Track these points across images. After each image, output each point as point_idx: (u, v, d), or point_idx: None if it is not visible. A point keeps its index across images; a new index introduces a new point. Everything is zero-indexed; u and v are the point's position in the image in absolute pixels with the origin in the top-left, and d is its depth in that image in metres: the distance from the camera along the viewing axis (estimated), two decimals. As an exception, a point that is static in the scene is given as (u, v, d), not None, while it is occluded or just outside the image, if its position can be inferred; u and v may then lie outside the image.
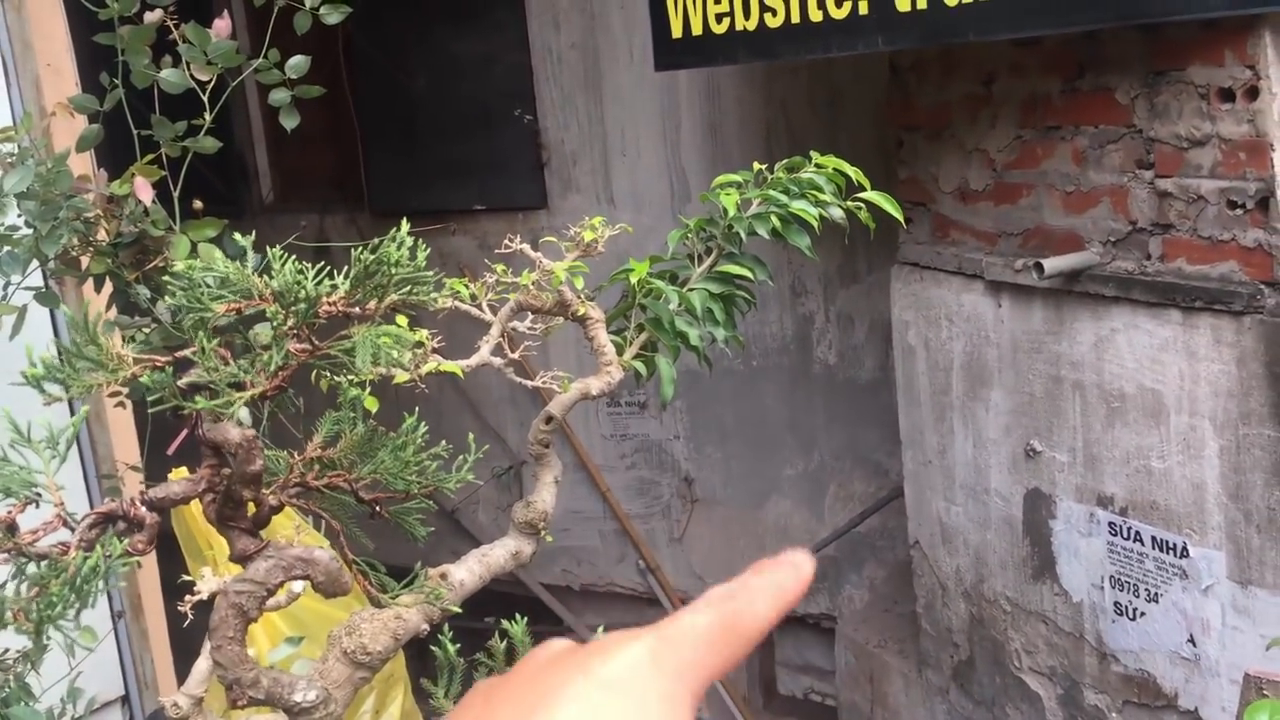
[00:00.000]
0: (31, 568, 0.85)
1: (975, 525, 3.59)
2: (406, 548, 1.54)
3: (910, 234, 3.65)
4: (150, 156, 2.25)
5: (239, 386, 0.86)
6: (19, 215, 2.16)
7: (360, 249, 0.88)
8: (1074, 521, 3.19)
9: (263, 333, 0.88)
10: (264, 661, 2.17)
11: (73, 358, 0.83)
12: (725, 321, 1.66)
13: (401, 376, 1.38)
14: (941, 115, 3.43)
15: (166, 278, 0.83)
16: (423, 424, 1.06)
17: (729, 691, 5.30)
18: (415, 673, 3.03)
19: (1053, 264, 2.90)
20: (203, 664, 1.44)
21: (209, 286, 0.84)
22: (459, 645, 1.43)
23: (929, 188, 3.54)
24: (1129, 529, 3.02)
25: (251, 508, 0.98)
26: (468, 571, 1.52)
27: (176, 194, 2.35)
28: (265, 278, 0.85)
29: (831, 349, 4.71)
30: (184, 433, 2.42)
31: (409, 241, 0.90)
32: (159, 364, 0.85)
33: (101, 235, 2.18)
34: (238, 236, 1.15)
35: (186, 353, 0.85)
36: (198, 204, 2.27)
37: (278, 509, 0.99)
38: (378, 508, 1.07)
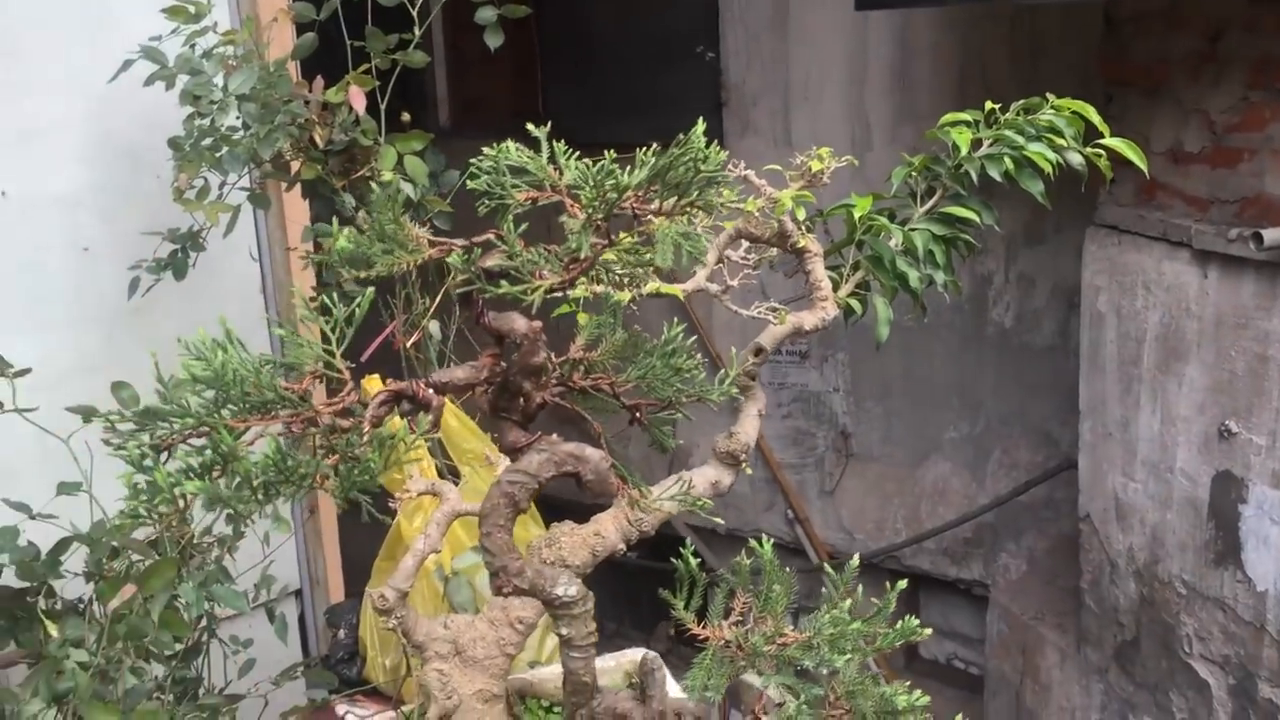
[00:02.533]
0: (330, 438, 0.87)
1: (1155, 504, 3.44)
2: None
3: (1111, 195, 3.48)
4: (364, 66, 2.28)
5: (533, 276, 0.85)
6: (237, 117, 2.22)
7: (650, 150, 0.86)
8: (1267, 508, 3.02)
9: (570, 223, 0.86)
10: (448, 569, 2.22)
11: (375, 238, 0.83)
12: (945, 265, 1.60)
13: (623, 295, 1.36)
14: (1159, 71, 3.25)
15: (472, 161, 0.82)
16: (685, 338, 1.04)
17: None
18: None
19: (1273, 235, 2.72)
20: (409, 561, 1.47)
21: (509, 174, 0.83)
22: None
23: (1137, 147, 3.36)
24: (1329, 521, 2.85)
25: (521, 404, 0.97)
26: (668, 495, 1.51)
27: (383, 106, 2.38)
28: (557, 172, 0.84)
29: (1009, 311, 4.56)
30: (377, 340, 2.47)
31: (702, 141, 0.88)
32: (457, 246, 0.85)
33: (314, 140, 2.22)
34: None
35: (487, 236, 0.85)
36: (406, 116, 2.30)
37: (542, 406, 0.98)
38: (637, 414, 1.06)
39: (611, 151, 1.10)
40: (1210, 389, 3.16)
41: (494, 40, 2.50)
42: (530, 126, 0.96)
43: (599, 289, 1.37)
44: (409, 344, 2.31)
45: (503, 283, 0.85)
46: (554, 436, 1.02)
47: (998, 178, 1.57)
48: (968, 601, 5.10)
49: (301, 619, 3.11)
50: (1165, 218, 3.25)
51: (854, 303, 1.56)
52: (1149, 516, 3.48)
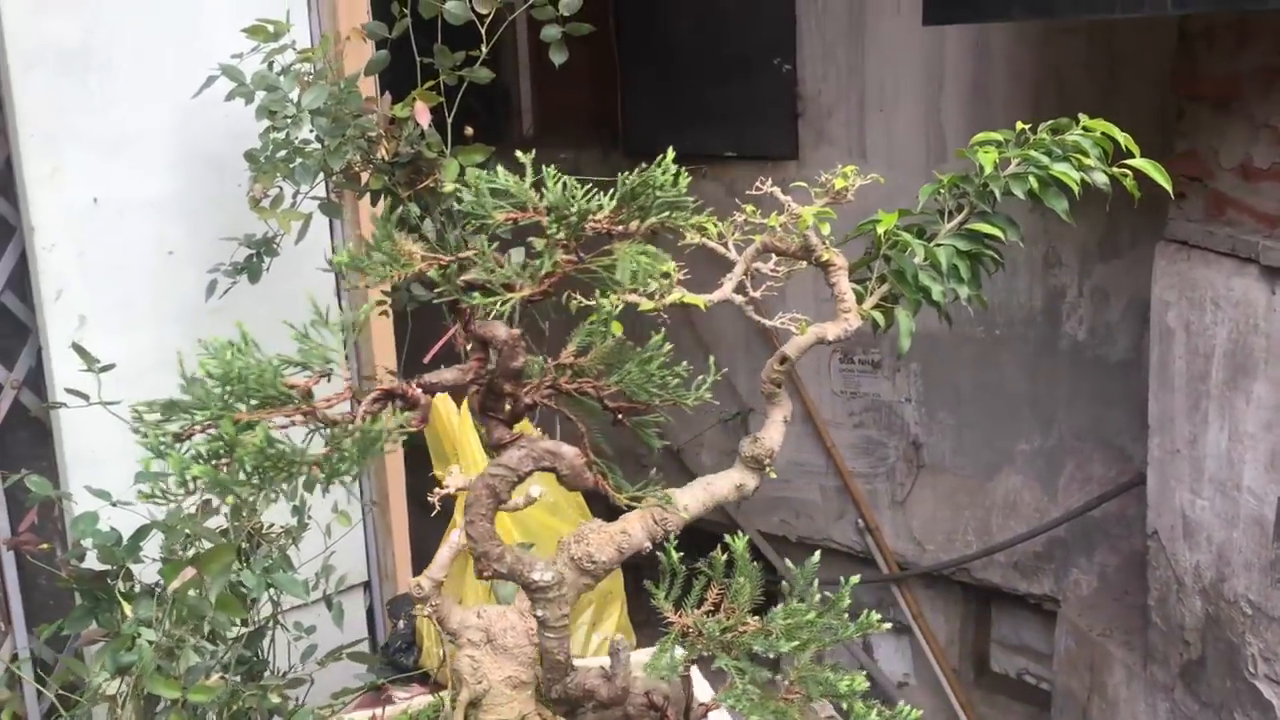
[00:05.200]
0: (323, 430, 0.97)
1: (1221, 522, 3.40)
2: (636, 480, 1.62)
3: (1181, 210, 3.46)
4: (430, 83, 2.39)
5: (509, 289, 0.93)
6: (310, 130, 2.34)
7: (626, 174, 0.94)
8: (1333, 529, 2.98)
9: (536, 242, 0.95)
10: (495, 564, 2.31)
11: (371, 251, 0.92)
12: (970, 280, 1.65)
13: (646, 305, 1.44)
14: (1231, 86, 3.22)
15: (454, 185, 0.90)
16: (666, 344, 1.12)
17: (940, 662, 5.23)
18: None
19: (1339, 252, 2.69)
20: (444, 552, 1.56)
21: (491, 196, 0.91)
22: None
23: (1208, 163, 3.34)
24: (1396, 544, 2.81)
25: (507, 405, 1.05)
26: (692, 497, 1.58)
27: (450, 120, 2.49)
28: (539, 193, 0.92)
29: (1082, 324, 4.52)
30: (440, 342, 2.58)
31: (673, 169, 0.95)
32: (443, 262, 0.93)
33: (381, 154, 2.34)
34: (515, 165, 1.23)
35: (468, 254, 0.93)
36: (469, 130, 2.40)
37: (531, 407, 1.07)
38: (620, 415, 1.13)
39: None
40: (1278, 407, 3.12)
41: (558, 57, 2.59)
42: (519, 153, 1.04)
43: (631, 299, 1.45)
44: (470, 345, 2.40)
45: (475, 294, 0.93)
46: (536, 433, 1.10)
47: (1021, 196, 1.61)
48: (1038, 616, 5.06)
49: (370, 611, 3.24)
50: (1234, 233, 3.22)
51: (877, 315, 1.62)
52: (1215, 534, 3.44)
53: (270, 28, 2.34)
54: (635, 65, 5.53)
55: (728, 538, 1.34)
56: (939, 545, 5.10)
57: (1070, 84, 4.32)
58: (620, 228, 0.98)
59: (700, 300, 1.48)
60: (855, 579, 1.28)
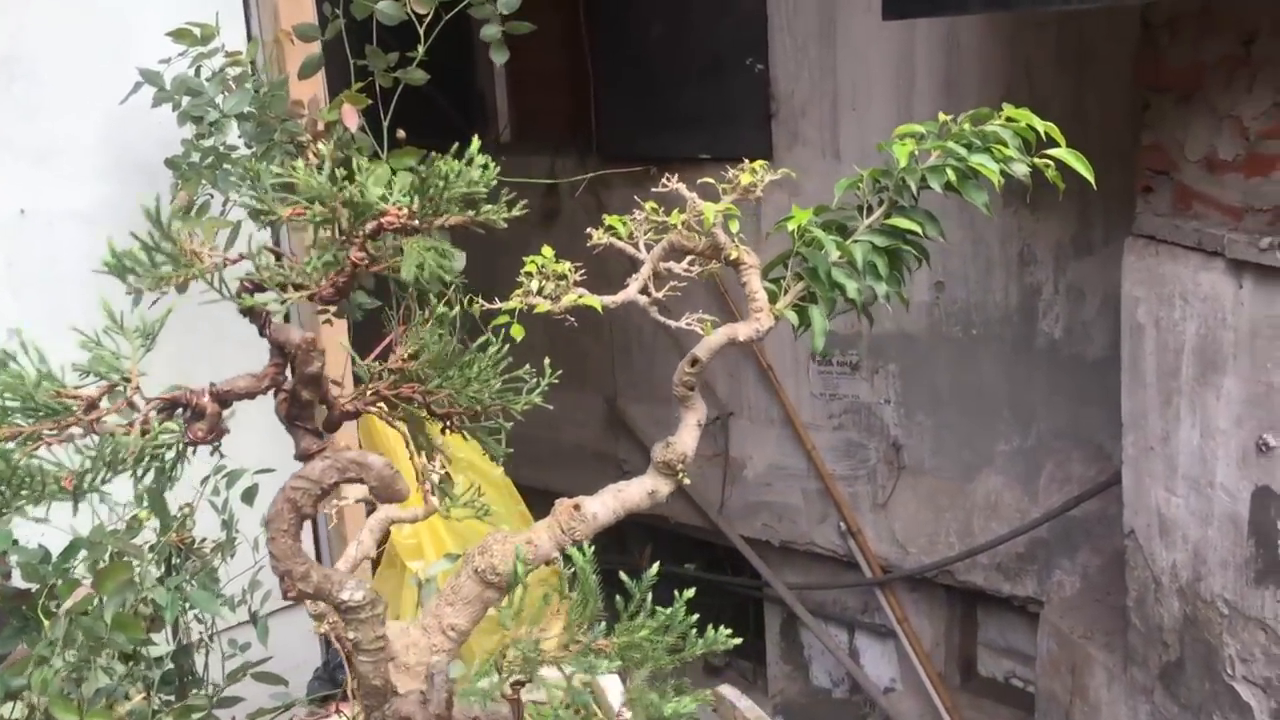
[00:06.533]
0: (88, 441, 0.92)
1: (1196, 520, 3.34)
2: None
3: (1149, 204, 3.40)
4: (359, 85, 2.34)
5: (300, 287, 0.89)
6: (239, 136, 2.29)
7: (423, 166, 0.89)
8: (1304, 526, 2.92)
9: (321, 238, 0.90)
10: (422, 575, 2.26)
11: (151, 252, 0.88)
12: (889, 276, 1.59)
13: (543, 306, 1.39)
14: (1193, 77, 3.16)
15: (232, 179, 0.86)
16: (502, 348, 1.06)
17: (925, 667, 5.17)
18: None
19: (1301, 243, 2.64)
20: (342, 566, 1.51)
21: (276, 192, 0.87)
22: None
23: (1173, 155, 3.28)
24: (1366, 540, 2.74)
25: (319, 413, 1.01)
26: (601, 505, 1.53)
27: (386, 123, 2.44)
28: (339, 187, 0.87)
29: (1058, 322, 4.46)
30: (378, 349, 2.53)
31: (480, 160, 0.90)
32: (230, 261, 0.89)
33: (312, 159, 2.28)
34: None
35: (240, 253, 0.88)
36: (400, 133, 2.35)
37: (351, 415, 1.02)
38: (449, 422, 1.08)
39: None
40: (1247, 401, 3.06)
41: (499, 57, 2.54)
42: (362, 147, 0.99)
43: (531, 300, 1.40)
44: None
45: (253, 295, 0.88)
46: (341, 444, 1.05)
47: (938, 189, 1.55)
48: (1025, 619, 5.00)
49: (328, 623, 3.18)
50: (1200, 227, 3.16)
51: (790, 314, 1.56)
52: (1191, 533, 3.38)
53: (197, 31, 2.29)
54: (609, 68, 5.48)
55: (570, 549, 1.28)
56: (921, 548, 5.04)
57: (1041, 78, 4.26)
58: (416, 222, 0.93)
59: (597, 302, 1.43)
60: (690, 593, 1.22)
